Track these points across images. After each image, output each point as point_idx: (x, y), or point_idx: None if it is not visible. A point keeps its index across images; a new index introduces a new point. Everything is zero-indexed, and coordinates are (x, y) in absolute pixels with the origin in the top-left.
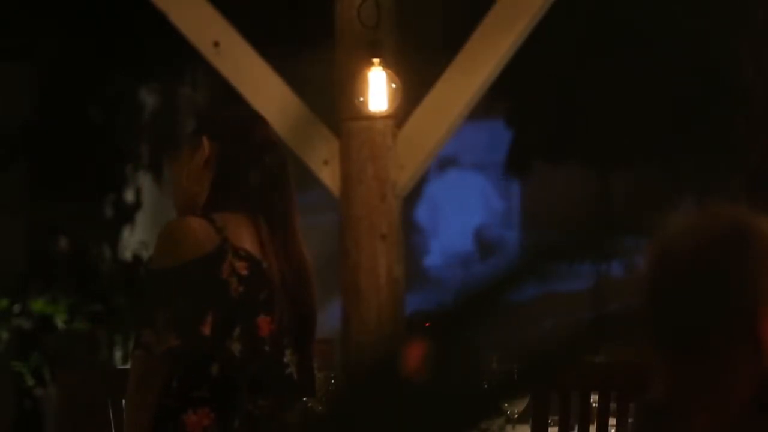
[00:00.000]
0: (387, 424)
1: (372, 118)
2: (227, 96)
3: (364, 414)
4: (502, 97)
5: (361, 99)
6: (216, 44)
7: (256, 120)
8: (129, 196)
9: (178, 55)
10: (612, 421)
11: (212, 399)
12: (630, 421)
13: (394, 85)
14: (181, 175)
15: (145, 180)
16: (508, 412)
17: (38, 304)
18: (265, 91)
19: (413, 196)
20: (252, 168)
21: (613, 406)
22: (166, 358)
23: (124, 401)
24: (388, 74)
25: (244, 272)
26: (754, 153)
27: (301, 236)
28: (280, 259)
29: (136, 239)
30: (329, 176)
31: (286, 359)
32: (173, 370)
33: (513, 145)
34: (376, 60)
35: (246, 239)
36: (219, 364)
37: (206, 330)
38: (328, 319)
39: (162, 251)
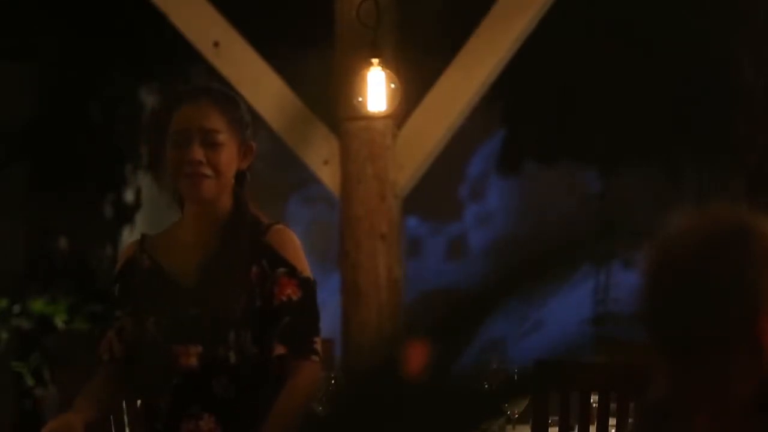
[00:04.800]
0: (387, 425)
1: (371, 118)
2: None
3: (364, 414)
4: (497, 95)
5: (360, 99)
6: (216, 44)
7: (236, 98)
8: (129, 196)
9: (178, 55)
10: (612, 421)
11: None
12: (630, 421)
13: (393, 85)
14: (229, 169)
15: (144, 180)
16: (508, 412)
17: (38, 304)
18: (265, 91)
19: None
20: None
21: (613, 406)
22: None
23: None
24: (387, 74)
25: None
26: (754, 153)
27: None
28: None
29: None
30: (329, 176)
31: None
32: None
33: (506, 143)
34: (375, 60)
35: None
36: None
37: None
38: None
39: (303, 260)
